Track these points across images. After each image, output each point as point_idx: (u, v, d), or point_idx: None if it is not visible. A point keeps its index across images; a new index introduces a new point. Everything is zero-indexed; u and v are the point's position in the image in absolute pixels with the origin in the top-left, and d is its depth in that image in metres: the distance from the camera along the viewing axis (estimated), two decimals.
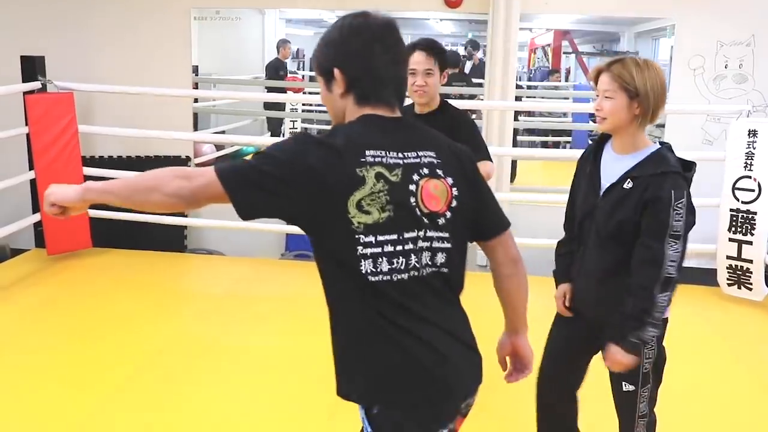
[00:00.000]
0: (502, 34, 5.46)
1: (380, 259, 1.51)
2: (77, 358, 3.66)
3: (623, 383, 2.33)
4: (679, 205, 2.12)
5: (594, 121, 9.52)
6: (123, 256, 5.42)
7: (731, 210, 4.72)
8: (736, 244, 4.72)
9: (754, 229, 4.64)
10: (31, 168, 5.19)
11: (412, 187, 1.54)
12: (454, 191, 1.60)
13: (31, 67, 5.20)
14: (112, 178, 4.74)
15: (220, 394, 3.33)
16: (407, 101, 3.15)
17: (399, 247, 1.52)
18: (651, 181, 2.16)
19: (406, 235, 1.53)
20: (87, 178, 5.29)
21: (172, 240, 5.74)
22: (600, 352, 2.34)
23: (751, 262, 4.67)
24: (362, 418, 1.62)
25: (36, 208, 5.29)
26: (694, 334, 4.21)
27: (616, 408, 2.41)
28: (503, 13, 5.43)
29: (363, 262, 1.50)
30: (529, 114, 9.45)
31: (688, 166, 2.23)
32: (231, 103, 8.40)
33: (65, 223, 5.16)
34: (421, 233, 1.55)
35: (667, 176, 2.14)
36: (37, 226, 5.35)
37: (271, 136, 8.65)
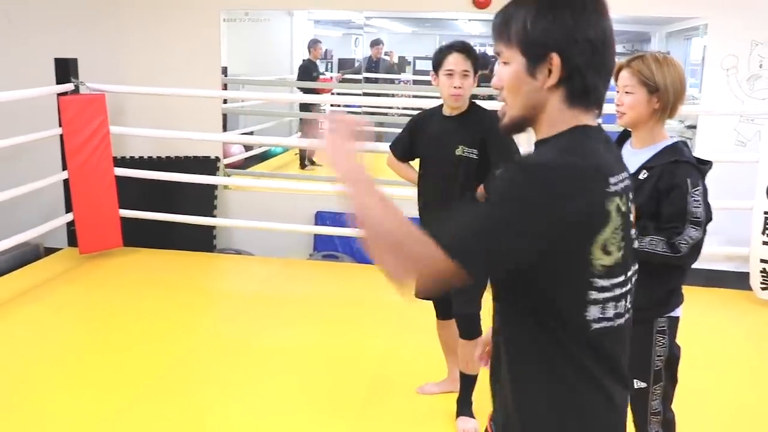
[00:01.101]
0: None
1: (608, 305, 1.28)
2: (109, 356, 3.72)
3: (635, 380, 2.33)
4: (696, 192, 2.18)
5: None
6: (153, 256, 5.48)
7: (765, 212, 4.63)
8: None
9: None
10: (64, 168, 5.27)
11: (631, 218, 1.31)
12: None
13: (65, 69, 5.28)
14: (143, 179, 4.80)
15: (251, 394, 3.35)
16: (436, 102, 3.15)
17: (621, 290, 1.30)
18: (665, 169, 2.21)
19: (628, 275, 1.32)
20: (118, 178, 5.36)
21: (201, 240, 5.79)
22: None
23: None
24: None
25: (69, 207, 5.36)
26: (727, 338, 4.15)
27: (630, 406, 2.40)
28: None
29: (590, 309, 1.26)
30: None
31: (704, 162, 2.28)
32: (260, 103, 8.45)
33: (97, 223, 5.26)
34: (632, 270, 1.34)
35: (679, 165, 2.20)
36: (70, 225, 5.43)
37: (303, 135, 8.68)
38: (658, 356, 2.31)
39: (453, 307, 3.15)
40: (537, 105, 1.30)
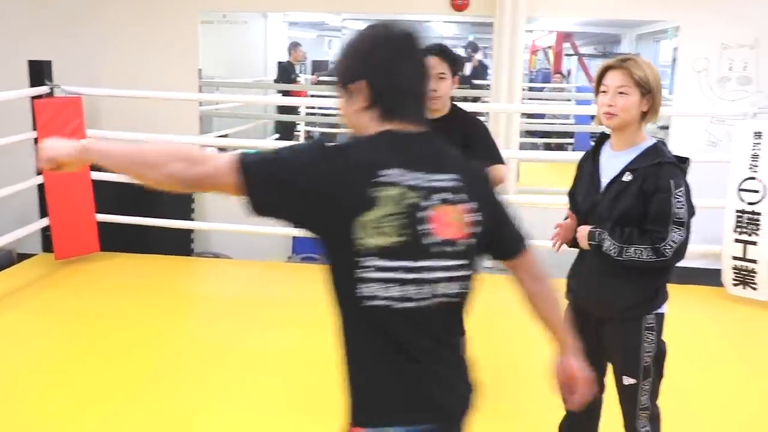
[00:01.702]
0: (509, 36, 5.49)
1: (379, 285, 1.43)
2: (91, 363, 3.68)
3: (624, 377, 2.39)
4: (679, 193, 2.23)
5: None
6: (130, 260, 5.44)
7: (737, 211, 4.74)
8: (741, 244, 4.73)
9: (759, 229, 4.66)
10: (39, 172, 5.21)
11: (427, 213, 1.44)
12: (474, 217, 1.51)
13: (39, 72, 5.22)
14: (120, 183, 4.77)
15: (236, 397, 3.35)
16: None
17: (402, 275, 1.43)
18: (649, 171, 2.26)
19: (413, 264, 1.44)
20: (95, 182, 5.31)
21: (178, 243, 5.76)
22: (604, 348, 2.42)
23: (756, 262, 4.69)
24: None
25: (44, 212, 5.30)
26: (698, 333, 4.24)
27: (620, 402, 2.45)
28: (509, 16, 5.46)
29: (360, 286, 1.43)
30: (530, 116, 9.49)
31: (683, 160, 2.33)
32: (235, 106, 8.42)
33: (73, 228, 5.20)
34: (432, 263, 1.46)
35: (663, 166, 2.25)
36: (45, 230, 5.36)
37: (281, 139, 8.67)
38: (647, 352, 2.35)
39: None
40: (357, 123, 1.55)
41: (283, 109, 8.52)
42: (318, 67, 11.27)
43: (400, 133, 1.49)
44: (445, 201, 1.46)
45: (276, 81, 8.88)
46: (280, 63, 9.11)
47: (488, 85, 8.66)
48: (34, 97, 5.14)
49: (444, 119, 3.03)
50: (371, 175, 1.41)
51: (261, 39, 9.79)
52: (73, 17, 5.89)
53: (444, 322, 1.52)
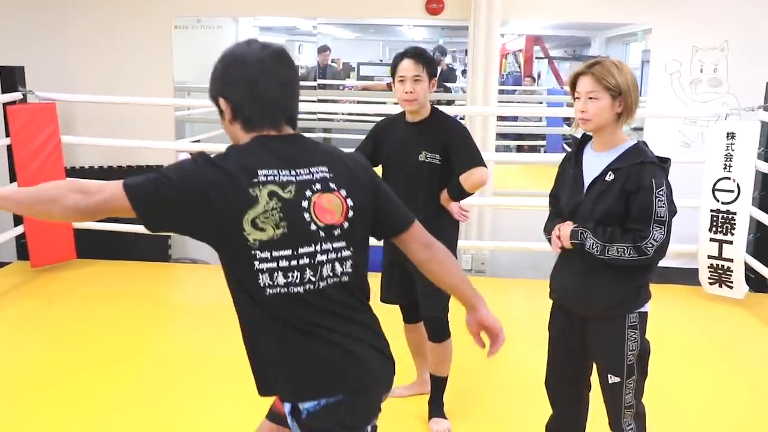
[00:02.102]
0: (484, 39, 5.53)
1: (276, 274, 1.58)
2: (72, 372, 3.62)
3: (609, 375, 2.41)
4: (660, 193, 2.26)
5: (569, 125, 9.61)
6: (108, 267, 5.38)
7: (712, 211, 4.83)
8: (717, 243, 4.83)
9: (734, 228, 4.76)
10: (12, 180, 5.12)
11: (305, 203, 1.61)
12: (349, 202, 1.67)
13: (11, 78, 5.14)
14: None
15: (218, 404, 3.33)
16: (398, 109, 3.19)
17: (294, 262, 1.59)
18: (631, 171, 2.29)
19: (302, 250, 1.60)
20: None
21: (156, 250, 5.70)
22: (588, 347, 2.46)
23: (731, 261, 4.79)
24: (288, 414, 1.69)
25: (18, 220, 5.21)
26: (677, 332, 4.31)
27: (604, 400, 2.48)
28: (484, 20, 5.50)
29: (260, 276, 1.58)
30: (502, 119, 9.56)
31: (664, 160, 2.37)
32: (207, 111, 8.34)
33: (49, 235, 5.12)
34: (318, 247, 1.62)
35: (645, 166, 2.29)
36: (20, 238, 5.28)
37: None
38: (631, 351, 2.38)
39: (420, 310, 3.20)
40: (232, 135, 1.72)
41: None
42: None
43: (268, 138, 1.65)
44: (320, 190, 1.63)
45: None
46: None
47: (459, 89, 8.74)
48: (6, 104, 5.06)
49: (424, 122, 3.06)
50: (251, 175, 1.57)
51: (232, 44, 9.73)
52: (47, 22, 5.81)
53: (342, 301, 1.66)
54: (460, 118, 5.82)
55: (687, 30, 5.50)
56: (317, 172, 1.65)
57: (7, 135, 5.04)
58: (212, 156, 1.61)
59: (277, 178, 1.59)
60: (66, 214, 1.58)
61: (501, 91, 11.00)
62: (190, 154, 5.68)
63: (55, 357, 3.83)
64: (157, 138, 5.73)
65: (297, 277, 1.59)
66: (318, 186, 1.64)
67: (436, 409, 3.21)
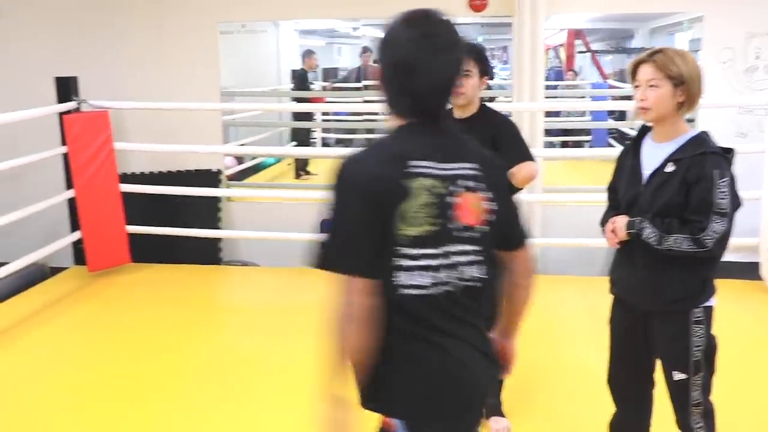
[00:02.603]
0: (529, 35, 5.48)
1: (414, 273, 1.51)
2: (127, 374, 3.68)
3: (674, 372, 2.36)
4: (722, 184, 2.20)
5: (615, 119, 9.49)
6: (161, 271, 5.45)
7: None
8: None
9: None
10: (69, 187, 5.24)
11: (451, 200, 1.53)
12: (492, 205, 1.60)
13: (66, 88, 5.26)
14: (148, 195, 4.78)
15: (271, 406, 3.34)
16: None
17: (434, 262, 1.52)
18: (692, 161, 2.23)
19: (443, 250, 1.53)
20: (124, 194, 5.34)
21: (207, 252, 5.77)
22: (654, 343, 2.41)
23: None
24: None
25: (75, 226, 5.32)
26: (738, 328, 4.19)
27: (671, 398, 2.42)
28: (529, 14, 5.45)
29: (397, 274, 1.51)
30: (547, 114, 9.48)
31: (727, 150, 2.30)
32: (251, 115, 8.44)
33: (105, 240, 5.24)
34: (456, 248, 1.55)
35: (707, 156, 2.22)
36: (77, 244, 5.39)
37: (298, 145, 8.68)
38: (697, 347, 2.32)
39: None
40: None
41: (298, 117, 8.54)
42: (328, 74, 11.28)
43: (419, 126, 1.57)
44: (467, 189, 1.56)
45: (293, 89, 8.93)
46: (294, 71, 9.15)
47: (497, 86, 8.66)
48: (62, 113, 5.17)
49: (472, 118, 3.03)
50: (403, 165, 1.49)
51: (273, 47, 9.83)
52: (96, 33, 5.92)
53: (466, 305, 1.59)
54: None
55: (741, 16, 5.36)
56: (467, 169, 1.57)
57: (64, 143, 5.16)
58: (357, 153, 1.55)
59: (430, 171, 1.51)
60: (365, 345, 1.54)
61: (546, 87, 10.94)
62: (237, 159, 5.59)
63: (112, 358, 3.90)
64: (205, 142, 5.80)
65: (432, 278, 1.53)
66: (466, 184, 1.56)
67: (494, 408, 3.19)
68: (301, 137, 8.84)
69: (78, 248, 5.40)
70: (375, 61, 1.58)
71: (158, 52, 5.91)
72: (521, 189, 3.06)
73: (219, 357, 3.91)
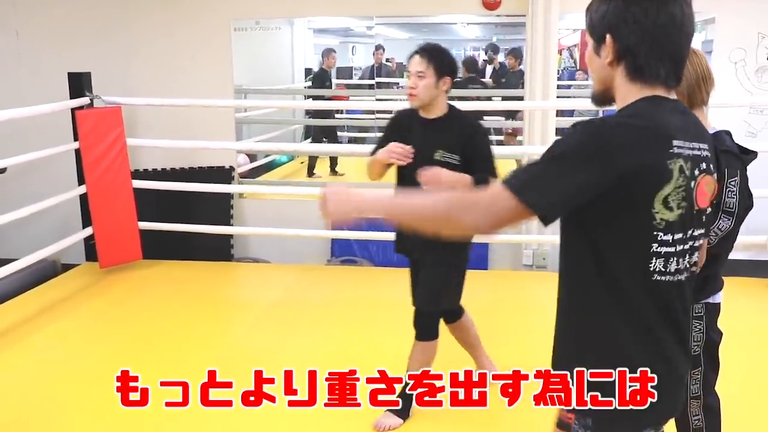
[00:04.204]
0: (542, 34, 5.48)
1: (670, 258, 1.42)
2: (142, 369, 3.69)
3: None
4: (732, 183, 2.19)
5: None
6: (172, 267, 5.49)
7: None
8: None
9: None
10: (81, 182, 5.28)
11: (693, 183, 1.43)
12: (714, 186, 1.53)
13: (78, 84, 5.29)
14: (160, 191, 4.80)
15: (282, 401, 3.35)
16: (410, 105, 3.07)
17: (680, 247, 1.44)
18: None
19: (688, 234, 1.45)
20: (136, 191, 5.38)
21: (219, 249, 5.80)
22: None
23: None
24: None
25: (87, 222, 5.36)
26: (746, 325, 4.18)
27: None
28: (542, 13, 5.45)
29: (654, 261, 1.41)
30: (559, 114, 9.45)
31: (746, 151, 2.29)
32: (265, 112, 8.46)
33: (117, 236, 5.26)
34: (696, 232, 1.48)
35: (721, 154, 2.20)
36: (88, 240, 5.43)
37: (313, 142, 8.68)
38: (695, 342, 2.33)
39: (415, 299, 3.16)
40: (605, 79, 1.50)
41: (317, 115, 8.53)
42: (342, 73, 11.28)
43: (667, 101, 1.46)
44: (704, 171, 1.46)
45: (311, 87, 8.94)
46: (314, 69, 9.17)
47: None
48: (74, 109, 5.21)
49: (441, 120, 3.00)
50: (668, 146, 1.39)
51: (287, 45, 9.84)
52: (109, 29, 5.96)
53: (687, 294, 1.51)
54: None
55: (753, 17, 5.34)
56: (704, 150, 1.47)
57: (76, 139, 5.19)
58: (628, 121, 1.40)
59: (684, 151, 1.40)
60: (464, 231, 1.51)
61: (558, 86, 10.90)
62: (249, 157, 5.59)
63: (124, 354, 3.92)
64: (217, 139, 5.83)
65: (680, 263, 1.44)
66: (704, 165, 1.46)
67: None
68: (325, 135, 8.74)
69: (90, 244, 5.44)
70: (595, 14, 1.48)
71: (172, 48, 5.94)
72: None
73: (229, 353, 3.93)
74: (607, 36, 1.45)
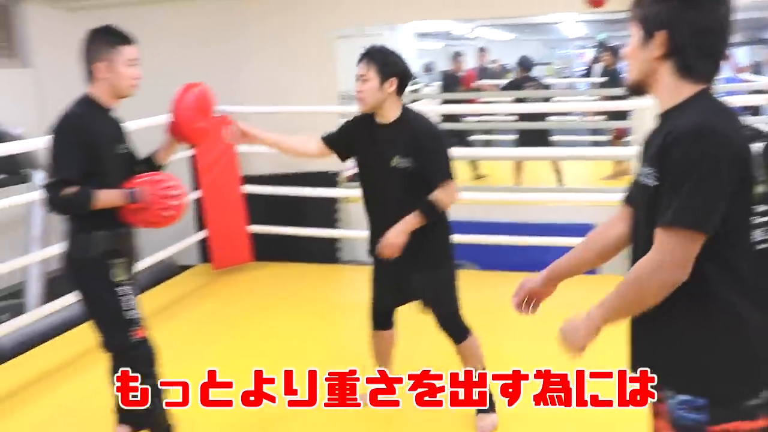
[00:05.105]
0: None
1: (762, 228, 1.55)
2: (244, 368, 3.78)
3: None
4: None
5: (753, 114, 8.88)
6: (281, 269, 5.64)
7: None
8: None
9: None
10: (195, 188, 5.50)
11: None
12: None
13: None
14: (269, 195, 4.90)
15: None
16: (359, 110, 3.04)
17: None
18: None
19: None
20: (246, 195, 5.55)
21: (326, 252, 5.91)
22: None
23: None
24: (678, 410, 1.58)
25: (201, 225, 5.58)
26: None
27: None
28: None
29: (754, 232, 1.54)
30: None
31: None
32: None
33: (229, 239, 5.46)
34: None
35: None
36: (202, 242, 5.65)
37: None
38: None
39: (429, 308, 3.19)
40: (647, 72, 1.59)
41: (447, 119, 8.48)
42: (446, 77, 11.27)
43: (713, 95, 1.58)
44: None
45: (442, 91, 8.99)
46: (444, 75, 9.24)
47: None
48: None
49: (394, 124, 2.95)
50: (745, 128, 1.55)
51: None
52: (220, 40, 6.19)
53: None
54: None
55: None
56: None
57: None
58: (717, 122, 1.50)
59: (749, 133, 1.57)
60: (665, 293, 1.52)
61: None
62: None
63: (233, 352, 4.05)
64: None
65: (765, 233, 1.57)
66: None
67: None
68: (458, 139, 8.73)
69: (203, 246, 5.67)
70: (656, 23, 1.56)
71: (279, 57, 6.10)
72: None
73: (335, 354, 3.99)
74: (661, 33, 1.54)
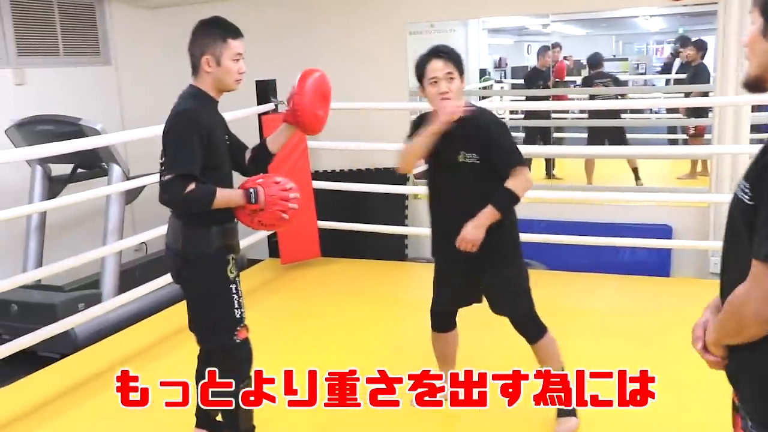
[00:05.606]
0: (736, 22, 5.08)
1: None
2: (310, 362, 3.82)
3: None
4: None
5: None
6: (348, 265, 5.67)
7: None
8: None
9: None
10: None
11: None
12: None
13: (265, 90, 5.62)
14: (338, 191, 4.93)
15: None
16: (427, 108, 3.06)
17: None
18: None
19: None
20: (315, 191, 5.61)
21: (393, 249, 5.92)
22: None
23: None
24: None
25: None
26: None
27: None
28: (737, 2, 5.05)
29: None
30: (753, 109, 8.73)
31: None
32: None
33: (297, 235, 5.52)
34: None
35: None
36: (271, 237, 5.74)
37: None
38: None
39: (500, 311, 3.15)
40: None
41: (532, 116, 8.37)
42: (516, 72, 11.12)
43: None
44: None
45: (525, 87, 8.90)
46: (528, 72, 9.15)
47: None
48: (261, 114, 5.53)
49: (458, 120, 2.91)
50: None
51: (462, 47, 9.86)
52: (292, 37, 6.27)
53: None
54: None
55: None
56: None
57: None
58: None
59: None
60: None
61: None
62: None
63: (301, 346, 4.12)
64: (393, 141, 5.93)
65: None
66: None
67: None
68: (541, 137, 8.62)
69: (272, 241, 5.75)
70: None
71: (349, 52, 6.14)
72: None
73: (400, 351, 4.00)
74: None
